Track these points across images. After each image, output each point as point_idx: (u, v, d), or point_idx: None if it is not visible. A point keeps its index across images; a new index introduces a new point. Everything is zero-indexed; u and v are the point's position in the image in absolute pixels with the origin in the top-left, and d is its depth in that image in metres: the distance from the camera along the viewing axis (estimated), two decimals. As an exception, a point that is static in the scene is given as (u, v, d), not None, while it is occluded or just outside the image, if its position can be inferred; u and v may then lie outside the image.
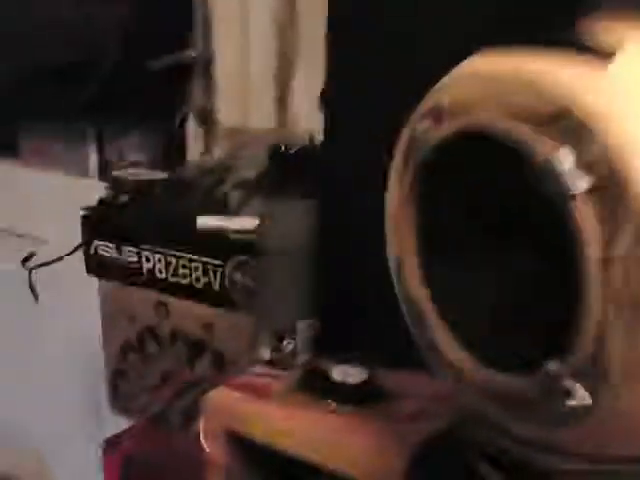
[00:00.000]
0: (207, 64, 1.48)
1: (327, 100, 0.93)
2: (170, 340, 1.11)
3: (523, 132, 0.46)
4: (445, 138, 0.53)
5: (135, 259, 1.10)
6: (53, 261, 1.06)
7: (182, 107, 1.38)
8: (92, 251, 1.12)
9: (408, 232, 0.58)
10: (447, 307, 0.58)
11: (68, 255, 1.06)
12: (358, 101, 0.85)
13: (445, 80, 0.55)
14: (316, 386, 0.81)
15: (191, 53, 1.49)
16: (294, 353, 0.89)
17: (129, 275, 1.11)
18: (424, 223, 0.57)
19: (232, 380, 0.86)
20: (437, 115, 0.54)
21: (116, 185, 1.08)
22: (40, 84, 1.51)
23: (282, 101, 1.31)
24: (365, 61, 0.84)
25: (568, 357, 0.46)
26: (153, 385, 1.10)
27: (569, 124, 0.45)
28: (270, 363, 0.90)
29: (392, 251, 0.60)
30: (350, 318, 0.90)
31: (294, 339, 0.89)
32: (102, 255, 1.12)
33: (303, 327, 0.89)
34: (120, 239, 1.09)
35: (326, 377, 0.82)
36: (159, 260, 1.08)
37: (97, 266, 1.14)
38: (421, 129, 0.55)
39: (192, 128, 1.39)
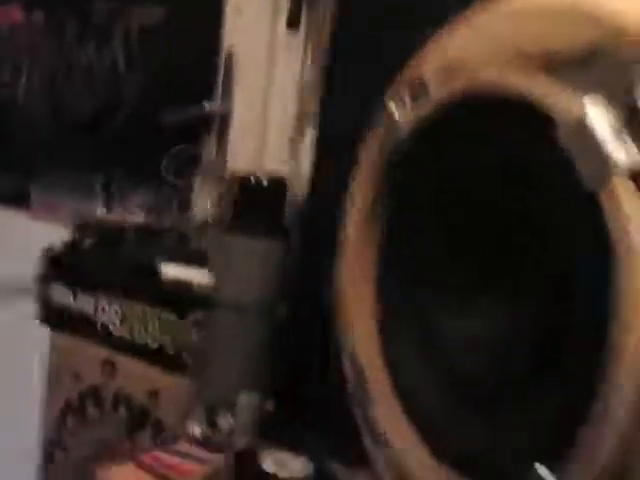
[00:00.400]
0: (223, 119, 1.42)
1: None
2: (112, 405, 0.97)
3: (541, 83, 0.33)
4: (427, 117, 0.40)
5: (91, 309, 0.99)
6: None
7: (192, 161, 1.31)
8: (47, 295, 1.02)
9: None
10: (405, 377, 0.44)
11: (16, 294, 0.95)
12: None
13: (424, 51, 0.43)
14: (241, 475, 0.66)
15: (206, 106, 1.43)
16: (231, 431, 0.75)
17: (83, 327, 0.99)
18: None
19: (144, 456, 0.72)
20: (417, 88, 0.42)
21: (81, 228, 0.99)
22: (57, 134, 1.48)
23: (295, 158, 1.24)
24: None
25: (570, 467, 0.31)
26: (87, 457, 0.95)
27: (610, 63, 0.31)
28: (203, 441, 0.75)
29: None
30: (309, 394, 0.75)
31: (232, 414, 0.75)
32: (57, 302, 1.01)
33: (246, 400, 0.75)
34: (78, 284, 0.99)
35: (256, 466, 0.67)
36: (115, 312, 0.96)
37: (50, 314, 1.03)
38: (395, 110, 0.43)
39: (199, 182, 1.32)
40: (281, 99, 1.25)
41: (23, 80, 1.52)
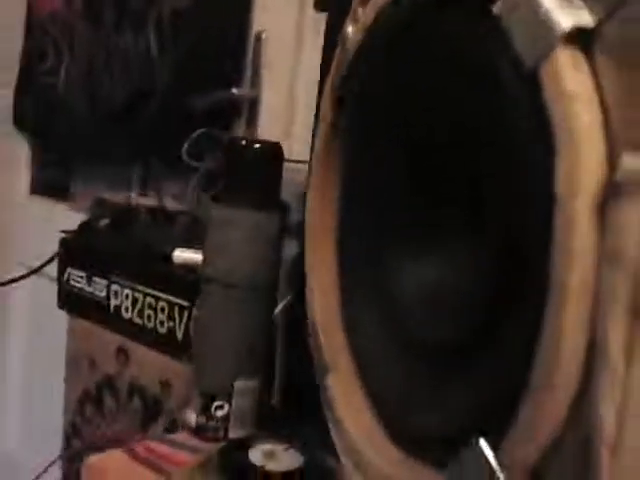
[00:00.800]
0: (252, 103, 1.37)
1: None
2: (128, 395, 0.94)
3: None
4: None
5: (104, 294, 0.95)
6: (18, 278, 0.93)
7: (214, 144, 1.27)
8: (65, 279, 0.99)
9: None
10: (360, 343, 0.37)
11: (31, 274, 0.93)
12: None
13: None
14: (227, 468, 0.60)
15: (234, 91, 1.39)
16: (226, 420, 0.69)
17: (96, 312, 0.96)
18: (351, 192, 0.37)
19: (136, 445, 0.67)
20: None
21: (97, 208, 0.95)
22: (94, 125, 1.47)
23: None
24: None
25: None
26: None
27: None
28: (197, 430, 0.70)
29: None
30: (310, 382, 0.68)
31: (229, 403, 0.69)
32: (73, 286, 0.99)
33: (241, 388, 0.69)
34: (92, 268, 0.96)
35: (244, 458, 0.60)
36: (126, 296, 0.93)
37: (68, 299, 1.00)
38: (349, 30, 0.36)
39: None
40: (309, 83, 1.19)
41: (63, 69, 1.52)
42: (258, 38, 1.36)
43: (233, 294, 0.67)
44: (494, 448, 0.25)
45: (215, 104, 1.37)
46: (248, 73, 1.37)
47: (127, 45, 1.43)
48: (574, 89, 0.21)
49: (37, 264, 1.10)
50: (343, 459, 0.36)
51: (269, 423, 0.72)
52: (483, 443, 0.25)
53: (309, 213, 0.41)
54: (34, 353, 1.45)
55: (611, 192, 0.21)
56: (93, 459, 0.63)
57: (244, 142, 0.71)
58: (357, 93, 0.36)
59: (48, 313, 1.12)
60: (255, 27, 1.29)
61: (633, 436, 0.22)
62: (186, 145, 1.15)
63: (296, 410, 0.71)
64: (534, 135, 0.23)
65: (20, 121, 1.60)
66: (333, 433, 0.39)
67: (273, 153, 0.69)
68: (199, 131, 1.17)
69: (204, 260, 0.69)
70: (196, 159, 1.18)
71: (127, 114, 1.39)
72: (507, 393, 0.25)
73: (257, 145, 0.70)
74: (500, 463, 0.25)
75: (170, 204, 1.43)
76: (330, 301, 0.39)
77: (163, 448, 0.66)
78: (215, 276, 0.67)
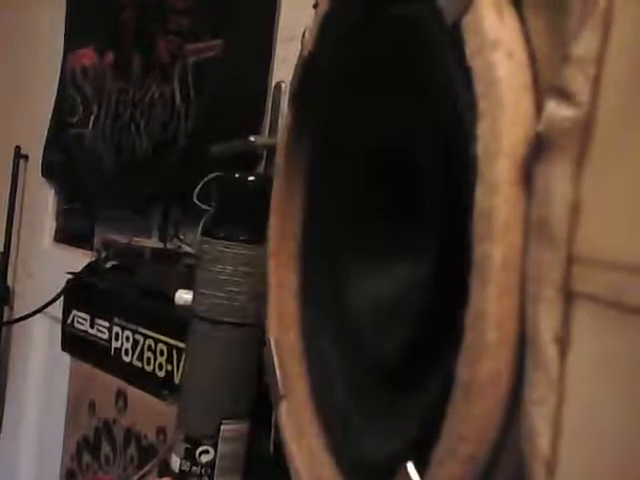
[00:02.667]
0: (270, 151, 1.37)
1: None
2: (124, 442, 0.90)
3: None
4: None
5: (106, 336, 0.93)
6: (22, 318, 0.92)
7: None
8: (69, 322, 0.97)
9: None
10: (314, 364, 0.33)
11: (30, 316, 0.91)
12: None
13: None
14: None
15: (252, 139, 1.39)
16: (212, 467, 0.65)
17: (98, 354, 0.94)
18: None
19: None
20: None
21: (104, 250, 0.94)
22: (118, 173, 1.49)
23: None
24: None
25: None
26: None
27: None
28: (180, 476, 0.66)
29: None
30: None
31: (214, 447, 0.64)
32: (77, 329, 0.97)
33: (229, 432, 0.65)
34: (95, 310, 0.94)
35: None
36: (127, 338, 0.90)
37: (71, 342, 0.98)
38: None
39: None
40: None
41: (91, 121, 1.55)
42: (278, 88, 1.36)
43: (220, 330, 0.64)
44: (422, 472, 0.21)
45: (234, 152, 1.37)
46: (267, 122, 1.37)
47: (153, 97, 1.45)
48: (494, 38, 0.18)
49: (58, 311, 1.09)
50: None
51: (262, 472, 0.67)
52: (410, 467, 0.21)
53: (271, 227, 0.38)
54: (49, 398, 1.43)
55: (536, 150, 0.18)
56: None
57: (236, 175, 0.70)
58: (309, 95, 0.34)
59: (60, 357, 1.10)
60: (275, 78, 1.30)
61: (572, 450, 0.17)
62: (197, 189, 1.14)
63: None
64: (462, 94, 0.20)
65: (48, 171, 1.63)
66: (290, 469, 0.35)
67: (265, 186, 0.67)
68: (211, 175, 1.16)
69: (193, 296, 0.67)
70: (209, 204, 1.17)
71: (149, 164, 1.40)
72: (436, 410, 0.21)
73: (249, 178, 0.68)
74: (429, 487, 0.21)
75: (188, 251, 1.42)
76: (286, 321, 0.36)
77: (142, 493, 0.62)
78: (203, 312, 0.65)
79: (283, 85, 1.31)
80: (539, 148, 0.18)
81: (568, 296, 0.17)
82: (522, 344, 0.18)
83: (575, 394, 0.17)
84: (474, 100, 0.19)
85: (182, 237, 1.36)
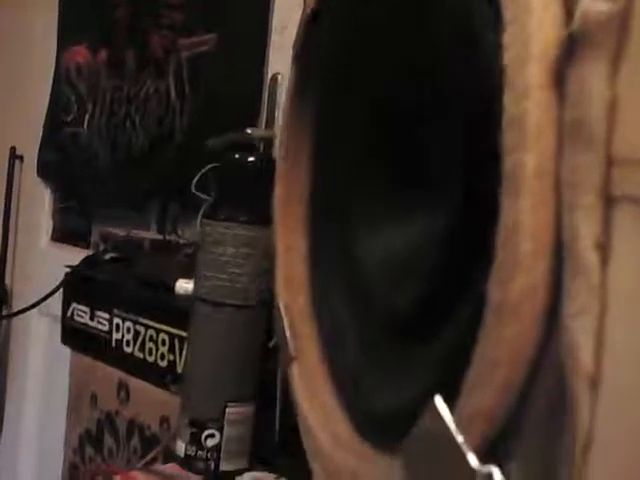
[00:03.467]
0: (267, 143, 1.36)
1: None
2: (127, 434, 0.89)
3: None
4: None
5: (106, 328, 0.92)
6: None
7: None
8: (69, 315, 0.96)
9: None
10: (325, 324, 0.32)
11: (28, 309, 0.90)
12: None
13: None
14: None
15: (249, 132, 1.38)
16: (217, 451, 0.63)
17: (99, 347, 0.93)
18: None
19: (120, 475, 0.62)
20: None
21: (102, 242, 0.93)
22: (114, 171, 1.48)
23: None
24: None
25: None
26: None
27: None
28: (186, 461, 0.64)
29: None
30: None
31: (220, 431, 0.63)
32: (77, 322, 0.96)
33: (234, 415, 0.63)
34: (95, 302, 0.93)
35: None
36: (128, 330, 0.89)
37: (71, 335, 0.97)
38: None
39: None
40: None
41: (86, 119, 1.54)
42: (274, 80, 1.36)
43: (223, 313, 0.62)
44: (451, 404, 0.20)
45: (231, 145, 1.35)
46: (264, 114, 1.36)
47: (147, 93, 1.44)
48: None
49: (57, 310, 1.08)
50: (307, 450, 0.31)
51: (267, 455, 0.66)
52: (439, 401, 0.20)
53: (276, 192, 0.37)
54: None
55: (569, 50, 0.17)
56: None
57: (236, 156, 0.69)
58: (312, 53, 0.33)
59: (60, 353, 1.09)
60: (270, 70, 1.29)
61: (617, 364, 0.16)
62: (196, 179, 1.13)
63: (297, 441, 0.65)
64: (484, 10, 0.19)
65: (43, 171, 1.61)
66: (303, 439, 0.34)
67: (267, 166, 0.66)
68: (209, 166, 1.15)
69: (195, 280, 0.66)
70: (208, 194, 1.16)
71: (146, 160, 1.39)
72: (460, 349, 0.20)
73: (249, 158, 0.67)
74: (458, 421, 0.20)
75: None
76: (295, 286, 0.35)
77: (146, 478, 0.61)
78: (205, 295, 0.63)
79: (279, 77, 1.30)
80: (572, 48, 0.17)
81: (608, 200, 0.16)
82: (559, 257, 0.17)
83: (618, 303, 0.16)
84: (499, 10, 0.18)
85: (180, 233, 1.35)
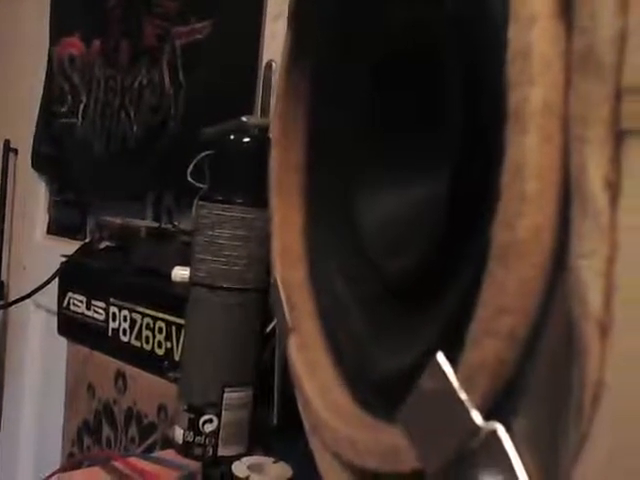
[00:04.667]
0: (262, 131, 1.35)
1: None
2: (125, 423, 0.88)
3: None
4: None
5: (103, 317, 0.91)
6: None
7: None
8: (65, 305, 0.95)
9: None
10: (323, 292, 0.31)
11: (24, 299, 0.89)
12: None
13: None
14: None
15: (244, 119, 1.37)
16: (216, 436, 0.62)
17: (95, 336, 0.92)
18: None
19: (118, 461, 0.61)
20: None
21: (98, 231, 0.92)
22: (109, 163, 1.46)
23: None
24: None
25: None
26: None
27: None
28: (184, 447, 0.63)
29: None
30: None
31: (218, 416, 0.62)
32: (73, 311, 0.95)
33: (232, 400, 0.63)
34: (91, 291, 0.92)
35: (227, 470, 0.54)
36: (124, 318, 0.88)
37: (68, 325, 0.96)
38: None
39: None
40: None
41: (80, 110, 1.53)
42: (268, 67, 1.34)
43: (219, 296, 0.61)
44: (453, 362, 0.19)
45: (226, 133, 1.34)
46: (259, 102, 1.35)
47: (142, 82, 1.43)
48: None
49: (53, 303, 1.07)
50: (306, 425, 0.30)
51: (266, 440, 0.65)
52: (440, 357, 0.19)
53: (272, 158, 0.36)
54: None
55: (577, -25, 0.16)
56: (67, 475, 0.57)
57: (232, 137, 0.68)
58: (307, 14, 0.32)
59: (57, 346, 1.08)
60: (265, 57, 1.28)
61: (628, 308, 0.16)
62: (191, 167, 1.12)
63: (296, 425, 0.64)
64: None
65: (38, 163, 1.60)
66: (302, 413, 0.34)
67: (263, 146, 0.65)
68: (204, 153, 1.14)
69: (191, 264, 0.65)
70: (203, 182, 1.15)
71: (141, 149, 1.38)
72: (463, 308, 0.19)
73: (244, 139, 0.66)
74: (461, 377, 0.19)
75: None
76: (292, 258, 0.34)
77: (145, 464, 0.60)
78: (201, 278, 0.62)
79: (274, 64, 1.29)
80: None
81: (618, 134, 0.15)
82: (566, 198, 0.16)
83: (629, 244, 0.15)
84: None
85: (176, 224, 1.34)
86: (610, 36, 0.15)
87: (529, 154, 0.16)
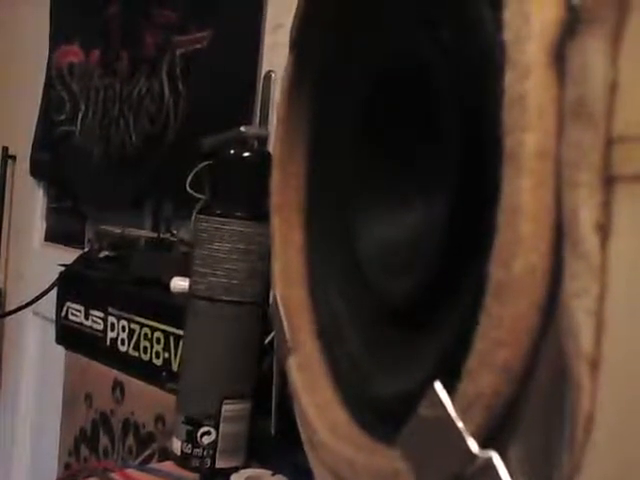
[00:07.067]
0: (261, 141, 1.36)
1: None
2: (122, 433, 0.88)
3: None
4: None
5: (101, 327, 0.91)
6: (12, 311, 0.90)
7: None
8: (63, 315, 0.96)
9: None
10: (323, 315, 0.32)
11: (22, 308, 0.90)
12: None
13: None
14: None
15: (243, 130, 1.38)
16: (214, 448, 0.63)
17: (93, 346, 0.92)
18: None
19: (115, 473, 0.61)
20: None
21: (97, 239, 0.93)
22: (107, 171, 1.47)
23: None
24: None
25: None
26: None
27: None
28: (182, 459, 0.64)
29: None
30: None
31: (216, 428, 0.63)
32: (72, 321, 0.95)
33: (230, 412, 0.63)
34: (89, 301, 0.92)
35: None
36: (123, 328, 0.89)
37: (66, 335, 0.97)
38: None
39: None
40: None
41: (79, 118, 1.53)
42: (267, 78, 1.35)
43: (219, 309, 0.62)
44: (451, 391, 0.20)
45: (224, 143, 1.35)
46: (257, 112, 1.36)
47: (141, 91, 1.44)
48: None
49: (50, 311, 1.07)
50: (305, 446, 0.31)
51: (265, 452, 0.66)
52: (438, 386, 0.20)
53: (273, 181, 0.37)
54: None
55: (571, 27, 0.17)
56: (65, 488, 0.58)
57: (231, 152, 0.68)
58: (309, 39, 0.32)
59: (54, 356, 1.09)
60: (264, 67, 1.28)
61: (617, 345, 0.16)
62: (190, 177, 1.13)
63: (294, 437, 0.65)
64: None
65: (36, 170, 1.61)
66: (302, 435, 0.34)
67: (263, 161, 0.66)
68: (203, 164, 1.15)
69: (191, 277, 0.65)
70: (202, 192, 1.15)
71: (139, 158, 1.39)
72: (461, 336, 0.20)
73: (245, 154, 0.67)
74: (458, 407, 0.19)
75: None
76: (292, 277, 0.35)
77: (142, 476, 0.60)
78: (201, 291, 0.63)
79: (273, 75, 1.30)
80: (573, 24, 0.17)
81: (608, 180, 0.16)
82: (559, 239, 0.17)
83: (618, 284, 0.16)
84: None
85: (175, 232, 1.34)
86: (601, 87, 0.16)
87: (524, 196, 0.17)
